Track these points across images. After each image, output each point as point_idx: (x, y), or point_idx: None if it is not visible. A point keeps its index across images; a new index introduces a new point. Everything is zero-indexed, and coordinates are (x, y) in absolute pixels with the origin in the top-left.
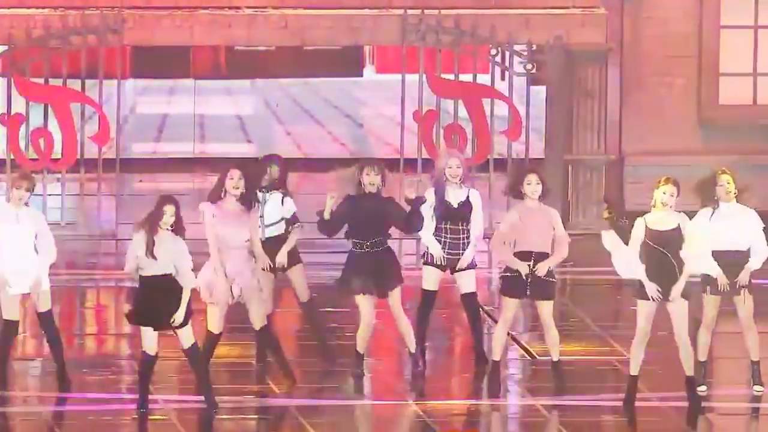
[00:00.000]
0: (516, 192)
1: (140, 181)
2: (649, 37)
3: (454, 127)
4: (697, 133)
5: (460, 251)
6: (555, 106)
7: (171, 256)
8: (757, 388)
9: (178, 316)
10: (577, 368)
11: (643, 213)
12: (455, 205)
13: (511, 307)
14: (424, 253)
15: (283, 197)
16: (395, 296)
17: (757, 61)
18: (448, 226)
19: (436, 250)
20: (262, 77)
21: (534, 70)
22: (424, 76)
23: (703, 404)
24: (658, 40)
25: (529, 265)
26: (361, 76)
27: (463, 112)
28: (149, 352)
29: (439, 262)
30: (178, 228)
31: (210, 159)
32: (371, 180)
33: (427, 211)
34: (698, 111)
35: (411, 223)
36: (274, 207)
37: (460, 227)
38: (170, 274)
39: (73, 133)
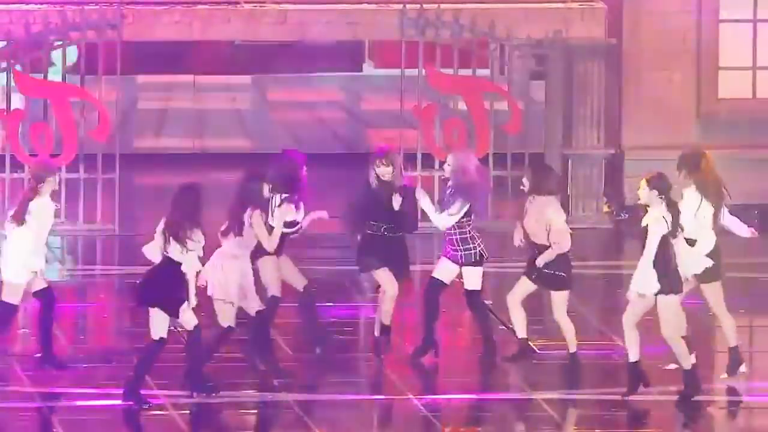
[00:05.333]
0: (552, 188)
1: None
2: (648, 32)
3: (453, 122)
4: (697, 127)
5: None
6: (554, 101)
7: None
8: (741, 368)
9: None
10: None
11: (641, 206)
12: None
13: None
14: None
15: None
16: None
17: (756, 54)
18: (470, 220)
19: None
20: (261, 72)
21: (534, 65)
22: (424, 70)
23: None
24: (657, 35)
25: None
26: (361, 71)
27: (462, 106)
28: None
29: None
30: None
31: (209, 155)
32: (383, 171)
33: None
34: (697, 105)
35: (406, 222)
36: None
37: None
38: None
39: (72, 128)
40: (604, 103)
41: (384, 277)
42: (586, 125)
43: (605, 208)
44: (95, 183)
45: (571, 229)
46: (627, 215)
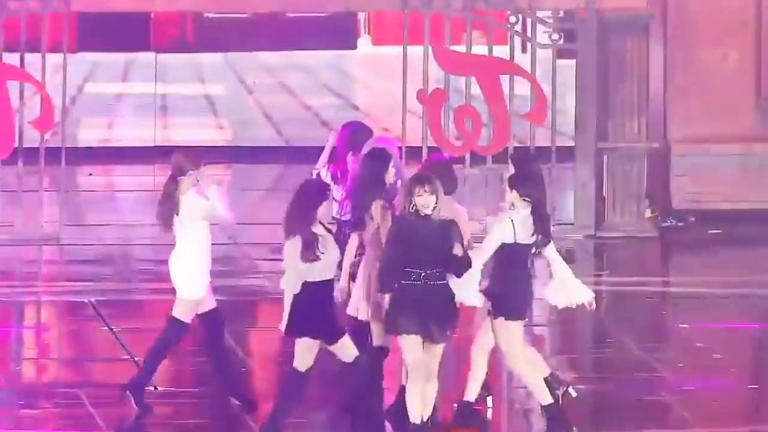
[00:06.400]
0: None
1: (90, 174)
2: (698, 2)
3: (465, 109)
4: (756, 116)
5: None
6: (586, 84)
7: (332, 257)
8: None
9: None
10: (615, 400)
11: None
12: None
13: None
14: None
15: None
16: (436, 351)
17: None
18: None
19: None
20: (236, 50)
21: (561, 41)
22: (430, 48)
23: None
24: (709, 6)
25: None
26: (355, 48)
27: (476, 91)
28: (304, 368)
29: None
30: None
31: (174, 147)
32: (424, 201)
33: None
34: (756, 90)
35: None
36: None
37: None
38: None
39: (10, 117)
40: (647, 87)
41: (407, 344)
42: (624, 114)
43: (648, 213)
44: (36, 181)
45: (606, 238)
46: (675, 222)
